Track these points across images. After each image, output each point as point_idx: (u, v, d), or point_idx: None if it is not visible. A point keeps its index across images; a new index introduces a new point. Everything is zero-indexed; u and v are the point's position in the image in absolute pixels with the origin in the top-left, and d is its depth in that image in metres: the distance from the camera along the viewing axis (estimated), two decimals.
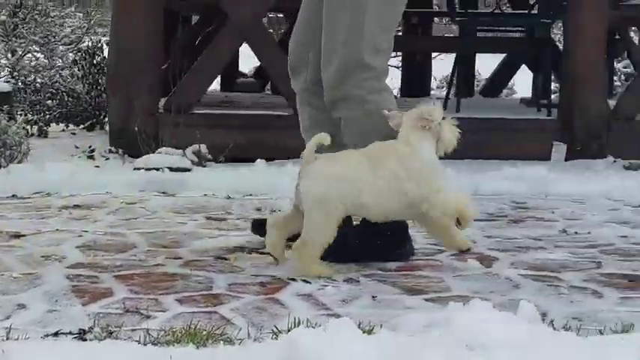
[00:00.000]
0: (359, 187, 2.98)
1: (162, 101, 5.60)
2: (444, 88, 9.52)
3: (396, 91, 10.68)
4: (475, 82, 9.80)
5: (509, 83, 10.45)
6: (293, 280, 3.00)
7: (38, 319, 2.54)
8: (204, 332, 2.35)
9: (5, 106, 6.35)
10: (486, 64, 9.69)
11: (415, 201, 3.00)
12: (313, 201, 2.97)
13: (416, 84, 8.44)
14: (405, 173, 2.99)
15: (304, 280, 2.99)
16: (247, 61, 8.96)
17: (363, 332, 2.29)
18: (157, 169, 4.76)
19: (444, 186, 3.05)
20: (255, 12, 5.61)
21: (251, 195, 4.55)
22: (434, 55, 9.86)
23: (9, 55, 7.93)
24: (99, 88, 6.95)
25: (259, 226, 3.35)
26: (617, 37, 7.84)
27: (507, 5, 8.93)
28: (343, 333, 2.13)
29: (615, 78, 10.34)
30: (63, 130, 6.82)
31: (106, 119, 6.51)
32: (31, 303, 2.69)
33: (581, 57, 5.67)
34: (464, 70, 7.33)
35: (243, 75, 8.70)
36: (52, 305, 2.68)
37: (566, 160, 5.61)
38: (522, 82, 9.35)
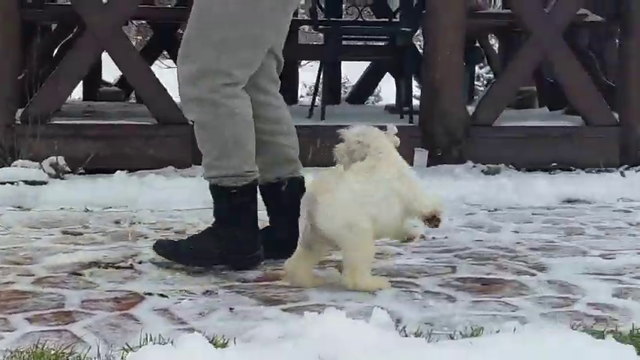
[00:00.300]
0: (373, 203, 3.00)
1: (19, 112, 5.43)
2: None
3: None
4: (343, 90, 9.92)
5: (376, 90, 10.65)
6: (149, 294, 2.95)
7: None
8: (53, 352, 2.29)
9: None
10: (355, 71, 9.82)
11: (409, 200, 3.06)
12: (343, 227, 2.95)
13: (283, 91, 8.45)
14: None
15: (161, 295, 2.95)
16: (112, 69, 8.78)
17: (216, 346, 2.27)
18: (12, 183, 4.62)
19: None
20: (114, 20, 5.51)
21: (110, 207, 4.46)
22: (303, 62, 9.95)
23: None
24: None
25: (161, 246, 3.30)
26: (476, 44, 8.09)
27: (371, 14, 9.08)
28: (194, 348, 2.11)
29: (479, 83, 10.68)
30: None
31: None
32: None
33: (439, 63, 5.80)
34: (329, 77, 7.40)
35: (107, 84, 8.53)
36: None
37: (427, 165, 5.72)
38: (388, 89, 9.54)
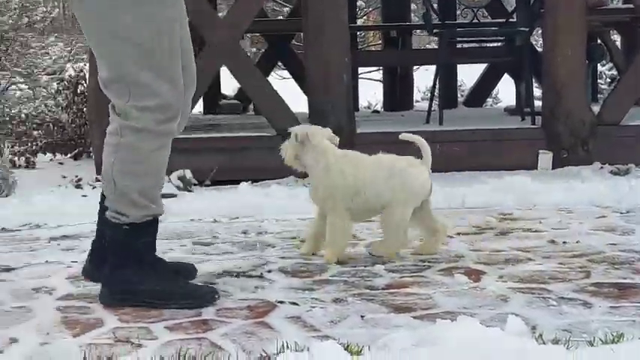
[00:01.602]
0: None
1: None
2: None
3: (379, 106, 10.77)
4: (460, 93, 9.84)
5: (493, 92, 10.50)
6: (281, 302, 3.00)
7: (29, 352, 2.53)
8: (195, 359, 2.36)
9: None
10: (471, 74, 9.73)
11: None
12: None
13: (399, 97, 8.47)
14: None
15: (292, 303, 2.99)
16: (230, 82, 8.96)
17: (351, 353, 2.29)
18: None
19: None
20: (231, 34, 5.63)
21: (237, 218, 4.55)
22: (418, 66, 9.90)
23: None
24: (83, 117, 6.96)
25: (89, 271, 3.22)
26: (598, 41, 7.89)
27: (485, 15, 8.99)
28: (330, 355, 2.13)
29: (602, 82, 10.39)
30: (50, 160, 6.82)
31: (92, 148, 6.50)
32: (23, 336, 2.68)
33: (560, 63, 5.70)
34: (445, 81, 7.35)
35: (226, 97, 8.70)
36: (44, 338, 2.67)
37: (552, 168, 5.61)
38: (507, 90, 9.40)
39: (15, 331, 2.74)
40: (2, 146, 6.16)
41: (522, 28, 6.41)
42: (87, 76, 7.22)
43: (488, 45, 9.38)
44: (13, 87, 8.50)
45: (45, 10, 8.62)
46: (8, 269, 3.57)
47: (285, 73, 9.72)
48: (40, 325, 2.81)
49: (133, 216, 3.00)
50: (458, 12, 7.67)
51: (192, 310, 2.93)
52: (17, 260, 3.72)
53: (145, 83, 2.95)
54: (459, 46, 8.39)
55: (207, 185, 5.20)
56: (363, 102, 10.95)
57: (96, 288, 3.20)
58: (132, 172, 2.99)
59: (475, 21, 6.77)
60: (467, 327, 2.34)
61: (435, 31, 6.86)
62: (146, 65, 2.95)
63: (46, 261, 3.71)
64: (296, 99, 6.79)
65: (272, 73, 9.14)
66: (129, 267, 3.00)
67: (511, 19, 7.08)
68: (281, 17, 11.37)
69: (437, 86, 6.74)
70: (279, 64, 9.27)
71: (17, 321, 2.85)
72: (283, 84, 8.60)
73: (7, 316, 2.91)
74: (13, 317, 2.89)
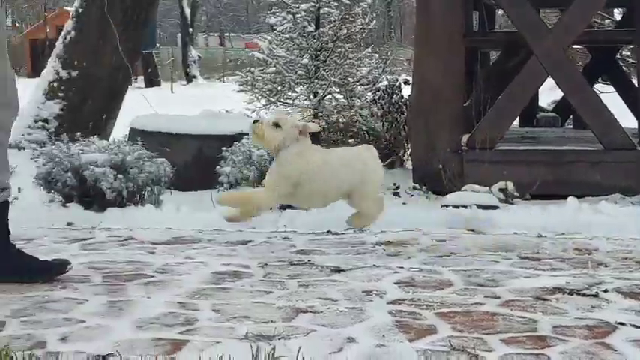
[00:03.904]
0: None
1: (464, 138, 5.60)
2: None
3: None
4: None
5: None
6: (621, 324, 2.85)
7: (368, 353, 2.59)
8: None
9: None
10: None
11: None
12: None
13: None
14: None
15: (634, 325, 2.83)
16: (545, 95, 8.77)
17: None
18: (465, 207, 4.75)
19: None
20: (560, 45, 5.48)
21: (563, 234, 4.41)
22: None
23: (311, 97, 8.33)
24: (397, 126, 7.10)
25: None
26: None
27: None
28: None
29: None
30: None
31: (405, 157, 6.63)
32: (359, 337, 2.75)
33: None
34: None
35: (543, 110, 8.52)
36: (380, 340, 2.72)
37: None
38: None
39: (351, 331, 2.81)
40: None
41: None
42: (402, 86, 7.39)
43: None
44: (329, 96, 8.86)
45: (363, 22, 8.90)
46: (338, 270, 3.70)
47: (610, 88, 9.30)
48: (374, 327, 2.86)
49: None
50: None
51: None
52: (346, 262, 3.84)
53: None
54: None
55: (527, 199, 5.10)
56: None
57: (425, 294, 3.23)
58: None
59: None
60: None
61: None
62: None
63: (373, 265, 3.79)
64: (622, 114, 6.48)
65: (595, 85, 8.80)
66: None
67: None
68: (609, 28, 10.90)
69: None
70: (603, 77, 8.92)
71: (352, 321, 2.93)
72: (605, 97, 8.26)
73: (343, 315, 3.00)
74: (348, 318, 2.97)
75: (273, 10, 8.55)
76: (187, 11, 31.72)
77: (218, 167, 5.08)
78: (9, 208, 3.47)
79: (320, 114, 8.02)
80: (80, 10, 6.62)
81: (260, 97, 8.37)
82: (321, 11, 8.39)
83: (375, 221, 4.22)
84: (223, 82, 30.96)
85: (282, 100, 8.44)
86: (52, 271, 3.46)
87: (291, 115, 4.30)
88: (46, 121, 6.74)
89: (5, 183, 3.42)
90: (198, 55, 31.90)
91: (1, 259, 3.41)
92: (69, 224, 4.80)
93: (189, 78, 30.17)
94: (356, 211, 4.14)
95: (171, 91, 21.57)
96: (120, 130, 6.91)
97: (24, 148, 6.64)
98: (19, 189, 5.28)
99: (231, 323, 2.87)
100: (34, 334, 2.76)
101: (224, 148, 5.17)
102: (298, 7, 8.26)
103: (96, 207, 5.00)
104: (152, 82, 25.83)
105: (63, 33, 6.75)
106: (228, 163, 5.01)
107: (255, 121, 4.07)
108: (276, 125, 3.96)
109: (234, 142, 5.16)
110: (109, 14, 6.45)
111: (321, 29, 8.36)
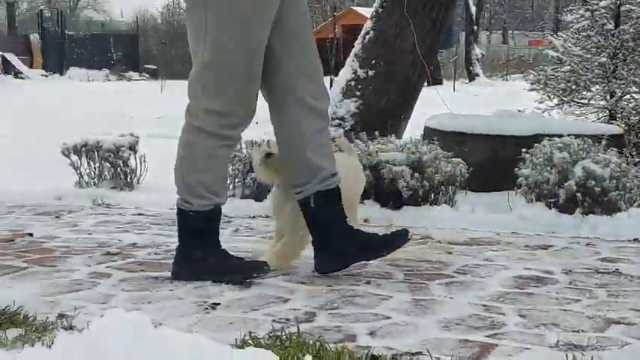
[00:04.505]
0: None
1: None
2: None
3: None
4: None
5: None
6: None
7: None
8: None
9: (615, 149, 6.35)
10: None
11: None
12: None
13: None
14: None
15: None
16: None
17: None
18: None
19: None
20: None
21: None
22: None
23: (607, 97, 7.98)
24: None
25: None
26: None
27: None
28: None
29: None
30: None
31: None
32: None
33: None
34: None
35: None
36: None
37: None
38: None
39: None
40: (628, 156, 6.11)
41: None
42: None
43: None
44: (627, 97, 8.44)
45: None
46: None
47: None
48: None
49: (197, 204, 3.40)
50: None
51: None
52: None
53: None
54: None
55: None
56: None
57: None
58: (195, 167, 3.39)
59: None
60: None
61: None
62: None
63: None
64: None
65: None
66: (194, 247, 3.41)
67: None
68: None
69: None
70: None
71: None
72: None
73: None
74: None
75: (570, 8, 8.28)
76: (473, 9, 31.63)
77: (516, 169, 4.98)
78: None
79: (618, 115, 7.66)
80: (380, 10, 6.76)
81: (553, 96, 8.14)
82: (622, 8, 8.01)
83: None
84: (506, 80, 30.57)
85: (576, 100, 8.16)
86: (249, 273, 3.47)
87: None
88: (342, 119, 6.97)
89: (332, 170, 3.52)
90: (482, 53, 31.74)
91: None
92: (365, 220, 4.93)
93: (472, 76, 30.08)
94: None
95: (453, 90, 21.60)
96: (408, 128, 6.99)
97: None
98: None
99: (539, 330, 2.80)
100: (342, 327, 2.84)
101: (523, 150, 5.06)
102: (597, 4, 7.94)
103: (391, 205, 5.09)
104: (435, 80, 26.05)
105: (362, 33, 6.93)
106: (527, 165, 4.90)
107: (268, 154, 3.56)
108: None
109: (534, 144, 5.04)
110: (409, 14, 6.53)
111: (622, 27, 7.99)
